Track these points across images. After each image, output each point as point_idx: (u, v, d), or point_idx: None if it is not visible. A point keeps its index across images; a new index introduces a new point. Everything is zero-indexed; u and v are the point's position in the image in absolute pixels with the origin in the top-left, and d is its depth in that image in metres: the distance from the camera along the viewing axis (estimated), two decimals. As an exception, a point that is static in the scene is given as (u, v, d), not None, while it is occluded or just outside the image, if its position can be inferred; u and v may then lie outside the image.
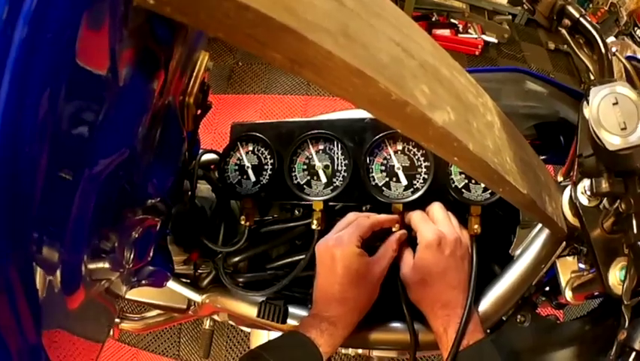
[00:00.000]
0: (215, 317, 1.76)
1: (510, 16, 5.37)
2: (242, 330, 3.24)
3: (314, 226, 1.26)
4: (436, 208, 1.21)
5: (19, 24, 0.50)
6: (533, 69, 1.45)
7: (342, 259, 1.16)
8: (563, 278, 1.14)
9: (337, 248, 1.17)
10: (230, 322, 1.61)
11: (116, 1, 0.63)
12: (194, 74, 0.97)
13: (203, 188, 1.49)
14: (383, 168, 1.26)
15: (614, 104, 0.81)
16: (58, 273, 0.69)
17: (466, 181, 1.21)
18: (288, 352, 1.10)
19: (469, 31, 5.08)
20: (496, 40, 5.09)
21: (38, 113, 0.55)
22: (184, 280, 1.38)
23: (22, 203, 0.57)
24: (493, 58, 5.02)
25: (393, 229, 1.24)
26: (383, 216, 1.24)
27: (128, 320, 1.94)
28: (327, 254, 1.19)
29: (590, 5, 4.08)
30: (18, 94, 0.51)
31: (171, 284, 1.34)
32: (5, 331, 0.58)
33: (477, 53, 5.00)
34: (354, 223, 1.21)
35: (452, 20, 5.09)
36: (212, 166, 1.52)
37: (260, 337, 1.52)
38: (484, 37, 5.04)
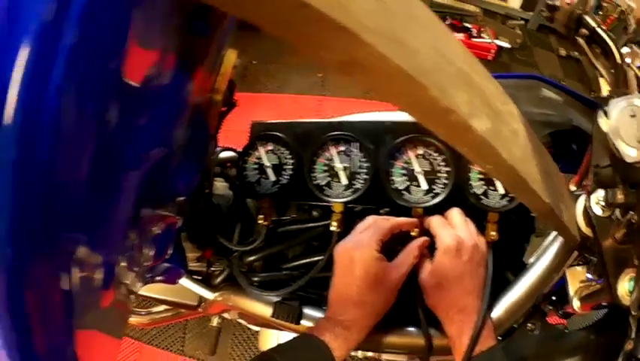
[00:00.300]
0: (225, 314, 1.76)
1: (522, 22, 5.36)
2: (248, 328, 3.24)
3: (333, 228, 1.25)
4: (455, 214, 1.21)
5: (69, 25, 0.49)
6: (545, 75, 1.45)
7: (360, 262, 1.15)
8: (572, 287, 1.14)
9: (356, 251, 1.16)
10: (240, 320, 1.60)
11: None
12: (222, 71, 0.97)
13: (220, 185, 1.48)
14: (404, 171, 1.25)
15: (631, 116, 0.80)
16: (95, 273, 0.69)
17: (485, 188, 1.21)
18: (301, 355, 1.10)
19: (483, 35, 5.08)
20: (509, 46, 5.09)
21: (84, 114, 0.55)
22: (196, 277, 1.38)
23: (62, 203, 0.56)
24: (505, 63, 5.02)
25: (413, 233, 1.23)
26: (402, 220, 1.23)
27: (135, 315, 1.94)
28: (346, 256, 1.18)
29: (600, 12, 4.07)
30: (65, 94, 0.51)
31: (183, 281, 1.34)
32: (36, 331, 0.58)
33: (490, 57, 5.00)
34: (374, 226, 1.20)
35: (466, 24, 5.09)
36: (228, 164, 1.51)
37: (269, 336, 1.52)
38: (498, 42, 5.04)
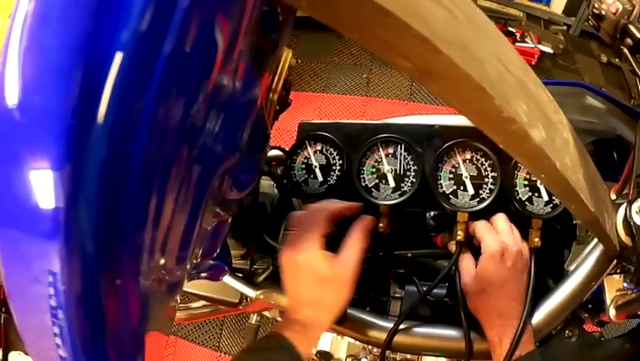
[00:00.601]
0: (265, 312, 1.77)
1: (565, 27, 5.32)
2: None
3: (380, 230, 1.25)
4: (501, 219, 1.21)
5: (170, 32, 0.51)
6: (586, 82, 1.45)
7: (305, 265, 1.14)
8: (609, 296, 1.15)
9: (299, 254, 1.15)
10: (280, 318, 1.61)
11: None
12: (279, 70, 0.98)
13: (265, 184, 1.50)
14: (451, 175, 1.26)
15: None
16: (168, 276, 0.70)
17: (530, 194, 1.21)
18: (271, 355, 1.11)
19: (526, 40, 5.04)
20: (551, 51, 5.05)
21: (175, 120, 0.56)
22: (239, 274, 1.39)
23: (145, 204, 0.58)
24: (548, 68, 4.98)
25: (458, 238, 1.22)
26: (339, 206, 1.24)
27: (173, 310, 1.95)
28: (291, 261, 1.17)
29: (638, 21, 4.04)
30: (161, 100, 0.52)
31: (226, 278, 1.35)
32: (111, 327, 0.59)
33: (533, 62, 4.96)
34: (311, 223, 1.19)
35: (510, 28, 5.06)
36: (273, 163, 1.52)
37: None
38: (541, 46, 5.00)
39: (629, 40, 1.13)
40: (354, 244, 1.18)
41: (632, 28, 1.12)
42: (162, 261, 0.67)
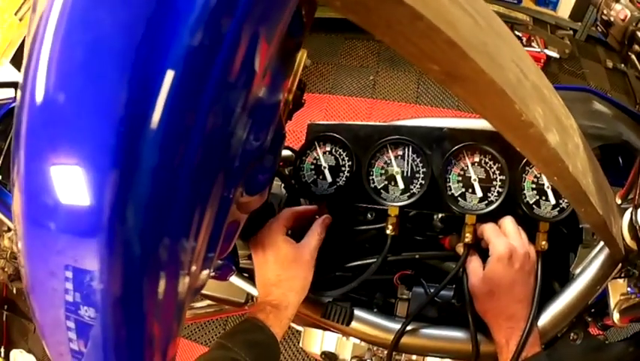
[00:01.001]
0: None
1: (571, 32, 5.31)
2: (290, 327, 3.25)
3: (388, 231, 1.26)
4: (508, 222, 1.22)
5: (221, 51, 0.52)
6: (592, 87, 1.46)
7: (270, 247, 1.26)
8: (613, 300, 1.15)
9: (266, 238, 1.27)
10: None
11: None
12: (294, 70, 0.99)
13: (274, 184, 1.50)
14: (460, 178, 1.26)
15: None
16: (198, 275, 0.72)
17: (537, 197, 1.21)
18: (250, 337, 1.15)
19: (533, 44, 5.03)
20: (557, 55, 5.03)
21: (222, 130, 0.57)
22: (245, 274, 1.39)
23: (190, 209, 0.59)
24: (554, 73, 4.96)
25: (466, 240, 1.23)
26: (302, 208, 1.38)
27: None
28: (258, 246, 1.28)
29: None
30: (213, 110, 0.54)
31: (233, 278, 1.35)
32: (149, 326, 0.60)
33: (539, 67, 4.94)
34: (277, 216, 1.31)
35: (516, 32, 5.04)
36: (281, 163, 1.53)
37: (313, 336, 1.52)
38: (547, 51, 4.98)
39: (637, 47, 1.14)
40: (314, 234, 1.30)
41: (640, 35, 1.12)
42: (197, 263, 0.68)
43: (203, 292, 1.62)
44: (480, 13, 0.46)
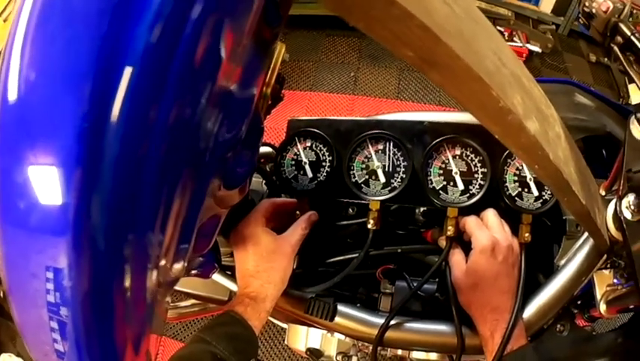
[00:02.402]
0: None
1: (554, 26, 5.33)
2: (274, 324, 3.24)
3: (370, 226, 1.26)
4: (491, 215, 1.22)
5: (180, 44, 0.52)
6: (575, 81, 1.46)
7: (250, 238, 1.24)
8: (599, 291, 1.16)
9: (244, 229, 1.25)
10: (269, 316, 1.62)
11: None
12: (272, 64, 0.98)
13: (255, 180, 1.50)
14: (441, 171, 1.26)
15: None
16: (170, 268, 0.71)
17: (520, 190, 1.22)
18: (228, 330, 1.16)
19: (515, 39, 5.04)
20: (540, 50, 5.05)
21: (185, 120, 0.57)
22: (228, 272, 1.39)
23: (156, 201, 0.58)
24: (536, 67, 4.99)
25: (449, 233, 1.23)
26: (281, 200, 1.38)
27: (162, 309, 1.95)
28: (239, 236, 1.26)
29: (630, 19, 4.06)
30: (176, 101, 0.53)
31: (216, 276, 1.35)
32: (118, 322, 0.59)
33: (521, 61, 4.97)
34: (256, 208, 1.30)
35: (498, 27, 5.05)
36: (262, 159, 1.52)
37: (298, 333, 1.52)
38: (529, 46, 5.00)
39: (619, 39, 1.14)
40: (297, 228, 1.29)
41: (622, 26, 1.12)
42: (167, 257, 0.67)
43: (187, 290, 1.62)
44: (457, 3, 0.46)
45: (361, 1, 0.35)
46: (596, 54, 5.20)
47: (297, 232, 1.28)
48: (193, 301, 1.92)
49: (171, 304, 1.98)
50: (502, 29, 5.02)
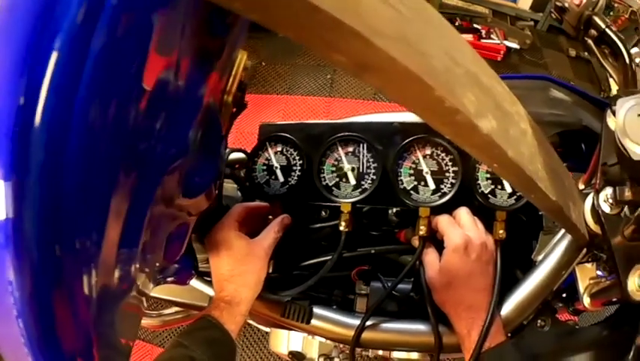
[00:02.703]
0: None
1: (532, 23, 5.34)
2: (258, 329, 3.24)
3: (342, 228, 1.26)
4: (463, 213, 1.22)
5: (99, 29, 0.51)
6: (554, 76, 1.45)
7: (223, 243, 1.26)
8: (582, 284, 1.15)
9: (218, 234, 1.27)
10: (251, 321, 1.62)
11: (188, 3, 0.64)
12: (234, 72, 0.98)
13: (229, 187, 1.50)
14: (411, 171, 1.27)
15: (639, 115, 0.81)
16: (115, 273, 0.70)
17: (493, 187, 1.22)
18: (205, 334, 1.17)
19: (492, 36, 5.06)
20: (518, 46, 5.07)
21: (109, 118, 0.56)
22: (207, 278, 1.39)
23: (86, 204, 0.58)
24: (515, 64, 5.01)
25: (421, 233, 1.23)
26: (254, 203, 1.39)
27: (146, 317, 1.95)
28: (212, 242, 1.27)
29: (611, 13, 4.07)
30: (93, 98, 0.52)
31: (194, 282, 1.35)
32: (62, 331, 0.59)
33: (499, 58, 4.98)
34: (228, 212, 1.31)
35: (475, 25, 5.07)
36: (236, 165, 1.52)
37: (280, 337, 1.52)
38: (507, 42, 5.02)
39: (593, 32, 1.14)
40: (270, 232, 1.30)
41: (597, 19, 1.12)
42: (108, 263, 0.67)
43: (168, 297, 1.62)
44: (405, 4, 0.46)
45: (285, 11, 0.35)
46: (575, 49, 5.22)
47: (269, 235, 1.29)
48: (176, 308, 1.92)
49: (154, 312, 1.98)
50: (479, 27, 5.04)
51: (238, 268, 1.25)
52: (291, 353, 1.49)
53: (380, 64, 0.41)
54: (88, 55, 0.51)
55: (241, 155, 1.51)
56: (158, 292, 1.60)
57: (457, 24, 5.08)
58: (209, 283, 1.35)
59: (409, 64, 0.42)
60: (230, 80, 0.97)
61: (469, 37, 5.01)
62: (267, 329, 1.58)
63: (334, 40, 0.38)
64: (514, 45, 5.07)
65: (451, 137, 0.56)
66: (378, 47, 0.39)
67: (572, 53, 5.25)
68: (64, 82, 0.50)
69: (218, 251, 1.26)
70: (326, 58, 0.40)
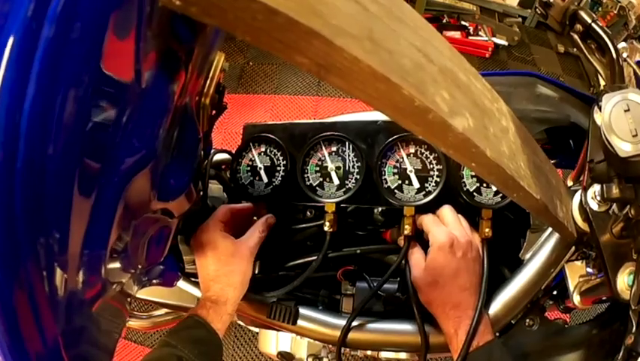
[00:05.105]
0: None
1: (520, 19, 5.35)
2: (249, 330, 3.24)
3: (326, 228, 1.26)
4: (447, 211, 1.22)
5: (46, 23, 0.50)
6: (543, 72, 1.44)
7: (208, 244, 1.27)
8: (571, 282, 1.14)
9: (203, 235, 1.28)
10: (239, 321, 1.61)
11: (142, 1, 0.64)
12: (211, 74, 0.98)
13: (215, 188, 1.50)
14: (395, 170, 1.26)
15: (625, 110, 0.81)
16: (80, 273, 0.70)
17: (478, 185, 1.21)
18: (192, 333, 1.18)
19: (480, 33, 5.06)
20: (506, 43, 5.08)
21: (63, 114, 0.55)
22: (194, 279, 1.38)
23: (46, 202, 0.57)
24: (503, 60, 5.01)
25: (406, 232, 1.22)
26: (239, 205, 1.39)
27: (136, 318, 1.95)
28: (198, 243, 1.28)
29: (600, 9, 4.07)
30: (44, 93, 0.52)
31: (181, 284, 1.35)
32: (26, 332, 0.59)
33: (487, 55, 4.99)
34: (213, 214, 1.32)
35: (463, 22, 5.07)
36: (223, 166, 1.52)
37: (268, 337, 1.52)
38: (495, 39, 5.03)
39: (579, 27, 1.13)
40: (255, 232, 1.31)
41: (583, 14, 1.12)
42: (73, 263, 0.66)
43: (157, 299, 1.62)
44: (376, 2, 0.46)
45: (242, 14, 0.34)
46: (564, 45, 5.23)
47: (254, 235, 1.30)
48: (166, 310, 1.92)
49: (145, 314, 1.97)
50: (467, 24, 5.04)
51: (223, 268, 1.25)
52: (280, 353, 1.49)
53: (343, 64, 0.41)
54: (35, 52, 0.50)
55: (226, 156, 1.50)
56: (146, 294, 1.60)
57: (444, 21, 5.09)
58: (196, 284, 1.35)
59: (372, 63, 0.42)
60: (207, 82, 0.97)
61: (457, 34, 5.02)
62: (257, 330, 1.57)
63: (294, 41, 0.38)
64: (503, 42, 5.08)
65: (424, 137, 0.55)
66: (339, 47, 0.39)
67: (561, 49, 5.26)
68: (12, 78, 0.50)
69: (203, 251, 1.26)
70: (288, 60, 0.40)
